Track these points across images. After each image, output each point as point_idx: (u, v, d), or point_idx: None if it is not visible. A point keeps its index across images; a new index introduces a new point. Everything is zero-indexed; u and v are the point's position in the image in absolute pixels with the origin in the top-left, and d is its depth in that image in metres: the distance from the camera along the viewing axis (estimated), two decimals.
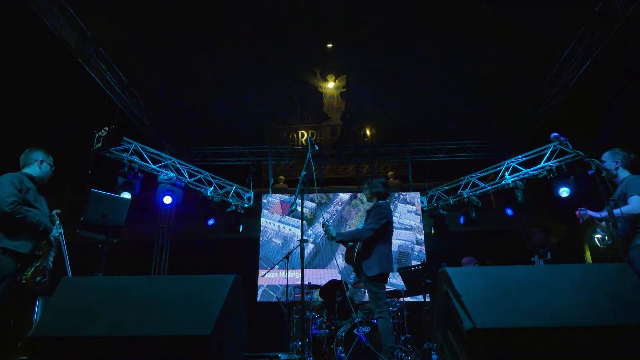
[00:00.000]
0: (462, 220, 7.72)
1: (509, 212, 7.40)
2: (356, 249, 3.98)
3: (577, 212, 3.66)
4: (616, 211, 3.37)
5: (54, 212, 3.46)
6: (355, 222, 8.02)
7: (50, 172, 3.59)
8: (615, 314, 1.99)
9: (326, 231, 3.90)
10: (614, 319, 1.98)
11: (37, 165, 3.50)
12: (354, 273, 4.26)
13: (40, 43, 6.37)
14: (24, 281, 3.23)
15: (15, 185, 3.25)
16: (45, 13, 5.40)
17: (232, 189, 8.05)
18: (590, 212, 3.59)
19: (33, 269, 3.26)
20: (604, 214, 3.45)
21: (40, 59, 7.00)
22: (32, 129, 7.93)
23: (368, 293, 3.96)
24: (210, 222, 7.85)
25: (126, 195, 6.23)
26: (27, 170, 3.48)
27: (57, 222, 3.40)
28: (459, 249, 6.56)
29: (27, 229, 3.26)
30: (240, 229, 7.85)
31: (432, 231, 8.07)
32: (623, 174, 3.62)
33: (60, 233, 3.37)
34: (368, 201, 4.32)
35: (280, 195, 8.56)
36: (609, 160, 3.67)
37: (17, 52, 6.99)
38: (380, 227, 3.90)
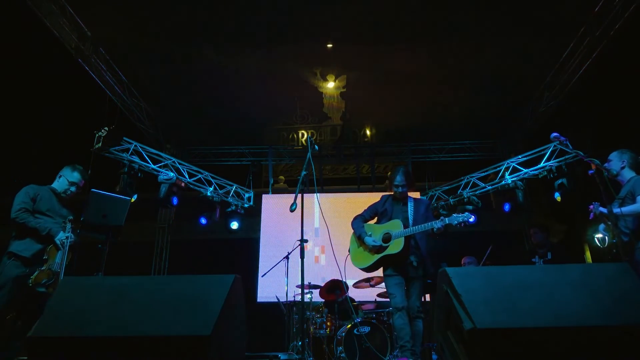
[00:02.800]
0: (474, 219, 7.65)
1: (507, 207, 7.37)
2: (413, 242, 3.80)
3: (590, 206, 3.59)
4: (616, 210, 3.37)
5: (67, 218, 3.56)
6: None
7: (69, 187, 3.76)
8: (616, 314, 1.99)
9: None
10: (614, 319, 1.97)
11: (57, 178, 3.80)
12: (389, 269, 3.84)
13: (40, 43, 6.37)
14: (30, 284, 3.32)
15: (29, 195, 3.55)
16: (45, 13, 5.40)
17: (232, 189, 8.05)
18: (602, 209, 3.52)
19: (38, 272, 3.37)
20: (617, 210, 3.42)
21: (40, 59, 7.01)
22: (32, 129, 7.94)
23: (419, 289, 3.77)
24: (204, 221, 7.86)
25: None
26: (54, 183, 3.80)
27: (68, 226, 3.48)
28: (459, 249, 6.55)
29: (32, 234, 3.46)
30: (234, 227, 7.81)
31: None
32: (629, 174, 3.59)
33: (67, 237, 3.42)
34: (400, 192, 3.98)
35: (285, 194, 8.55)
36: (616, 159, 3.64)
37: (17, 52, 7.00)
38: None
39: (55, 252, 3.46)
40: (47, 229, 3.45)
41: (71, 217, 3.54)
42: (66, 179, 3.75)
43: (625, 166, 3.61)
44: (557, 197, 6.33)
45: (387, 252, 3.77)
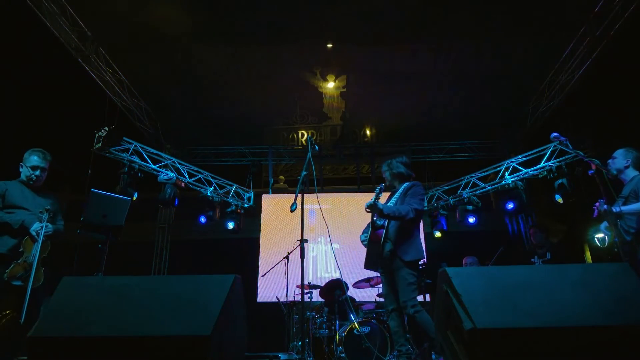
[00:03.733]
0: (476, 220, 7.67)
1: (510, 207, 7.36)
2: (384, 231, 3.53)
3: (596, 204, 3.56)
4: (616, 208, 3.37)
5: (44, 208, 3.44)
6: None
7: (32, 173, 3.59)
8: (616, 314, 1.99)
9: (373, 206, 3.34)
10: (614, 319, 1.97)
11: (20, 168, 3.64)
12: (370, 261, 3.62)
13: (40, 43, 6.37)
14: (6, 278, 3.25)
15: None
16: (46, 13, 5.40)
17: (232, 189, 8.05)
18: (606, 207, 3.49)
19: (13, 265, 3.30)
20: (617, 209, 3.42)
21: (40, 58, 7.01)
22: (32, 129, 7.94)
23: (400, 282, 3.38)
24: (203, 219, 7.88)
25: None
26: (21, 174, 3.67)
27: (45, 216, 3.38)
28: (459, 249, 6.55)
29: (6, 230, 3.38)
30: (230, 227, 7.81)
31: (438, 234, 8.01)
32: (632, 173, 3.60)
33: (42, 227, 3.33)
34: (389, 185, 3.83)
35: (285, 194, 8.55)
36: (621, 157, 3.64)
37: (17, 52, 7.00)
38: (422, 208, 3.53)
39: (31, 244, 3.38)
40: (20, 222, 3.37)
41: (48, 207, 3.42)
42: (25, 166, 3.61)
43: (629, 165, 3.61)
44: (558, 199, 6.33)
45: (367, 246, 3.64)
